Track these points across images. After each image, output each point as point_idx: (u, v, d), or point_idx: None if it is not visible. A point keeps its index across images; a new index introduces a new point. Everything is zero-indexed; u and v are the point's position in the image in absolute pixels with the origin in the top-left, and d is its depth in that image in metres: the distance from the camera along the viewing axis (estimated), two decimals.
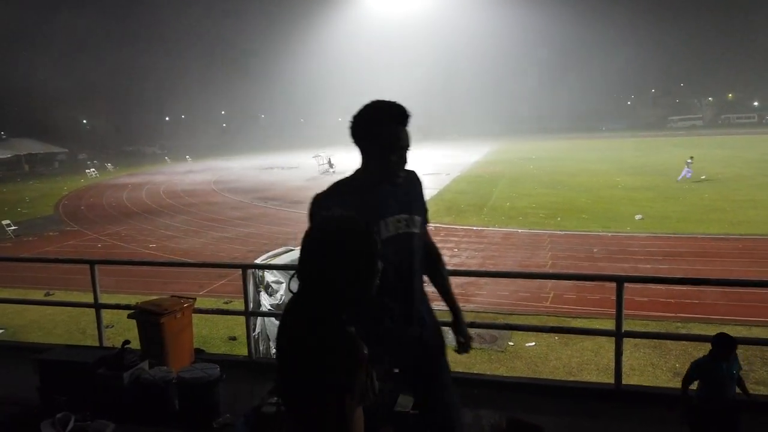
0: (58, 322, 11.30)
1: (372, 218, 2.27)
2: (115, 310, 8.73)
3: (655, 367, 8.03)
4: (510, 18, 75.47)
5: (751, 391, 3.61)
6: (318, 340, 1.63)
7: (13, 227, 21.60)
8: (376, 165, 2.45)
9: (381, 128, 2.36)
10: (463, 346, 2.79)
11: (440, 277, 2.86)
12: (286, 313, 1.78)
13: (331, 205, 2.30)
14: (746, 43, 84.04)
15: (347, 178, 2.54)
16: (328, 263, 1.70)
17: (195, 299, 5.57)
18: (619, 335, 4.58)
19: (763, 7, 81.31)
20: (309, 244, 1.76)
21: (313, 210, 2.38)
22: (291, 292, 1.81)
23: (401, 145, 2.40)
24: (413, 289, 2.56)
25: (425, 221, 2.79)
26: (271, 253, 8.99)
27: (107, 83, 77.75)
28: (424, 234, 2.79)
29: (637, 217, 18.40)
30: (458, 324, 2.79)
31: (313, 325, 1.66)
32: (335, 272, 1.70)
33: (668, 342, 8.45)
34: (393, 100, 2.38)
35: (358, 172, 2.53)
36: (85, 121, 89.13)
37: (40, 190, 39.88)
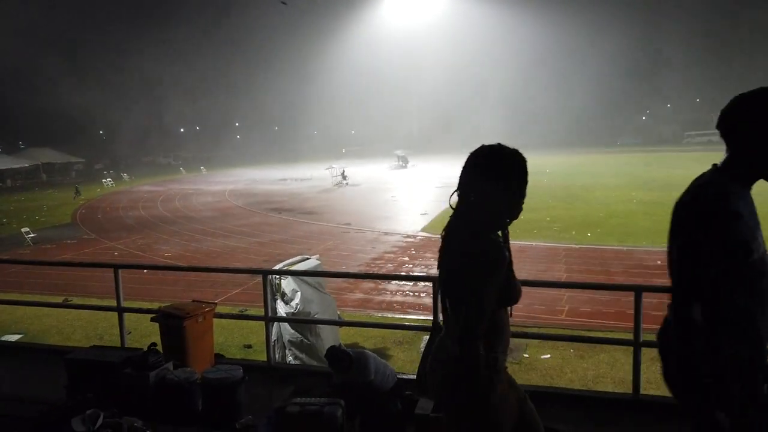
0: (77, 327, 11.45)
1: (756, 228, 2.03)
2: (133, 318, 8.91)
3: None
4: (526, 32, 75.69)
5: None
6: (474, 245, 2.14)
7: (31, 235, 21.96)
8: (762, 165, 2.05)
9: None
10: None
11: None
12: (448, 234, 2.29)
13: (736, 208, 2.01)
14: (764, 58, 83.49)
15: (723, 176, 2.09)
16: (491, 184, 2.18)
17: (216, 304, 5.67)
18: (637, 344, 4.60)
19: None
20: (473, 165, 2.23)
21: (718, 213, 2.01)
22: (451, 207, 2.32)
23: None
24: None
25: None
26: (287, 262, 9.07)
27: (124, 94, 78.98)
28: None
29: None
30: None
31: (472, 236, 2.17)
32: (495, 192, 2.18)
33: None
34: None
35: (723, 173, 2.11)
36: (101, 132, 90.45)
37: (58, 198, 40.47)
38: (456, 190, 2.29)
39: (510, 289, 2.27)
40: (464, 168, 2.26)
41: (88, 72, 75.36)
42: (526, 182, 2.27)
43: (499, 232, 2.30)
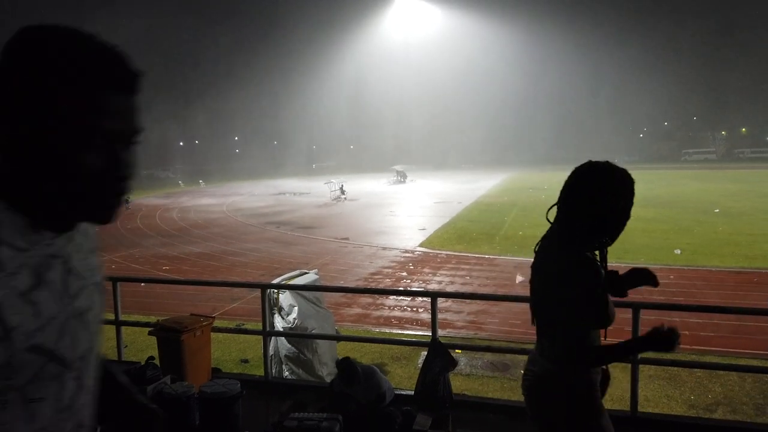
0: None
1: None
2: (130, 331, 8.89)
3: (670, 399, 7.95)
4: (523, 51, 76.39)
5: None
6: (571, 265, 2.11)
7: None
8: None
9: None
10: None
11: None
12: (543, 251, 2.28)
13: None
14: (760, 78, 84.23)
15: None
16: (597, 202, 2.15)
17: (214, 318, 5.67)
18: (635, 362, 4.61)
19: None
20: (579, 182, 2.22)
21: None
22: (548, 221, 2.32)
23: None
24: None
25: None
26: (285, 276, 9.07)
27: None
28: None
29: (677, 251, 18.15)
30: None
31: (570, 255, 2.13)
32: (599, 211, 2.14)
33: (683, 374, 8.39)
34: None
35: None
36: None
37: None
38: (555, 205, 2.29)
39: (606, 311, 2.22)
40: (569, 184, 2.26)
41: None
42: (632, 203, 2.26)
43: (597, 252, 2.28)
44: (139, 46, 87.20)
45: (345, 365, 4.47)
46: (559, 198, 2.26)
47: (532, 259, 2.32)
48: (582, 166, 2.26)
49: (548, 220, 2.32)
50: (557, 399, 2.16)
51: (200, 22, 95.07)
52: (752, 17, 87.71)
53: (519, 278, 15.06)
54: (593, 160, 2.27)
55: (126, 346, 9.57)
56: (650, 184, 44.53)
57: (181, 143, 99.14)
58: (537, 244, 2.31)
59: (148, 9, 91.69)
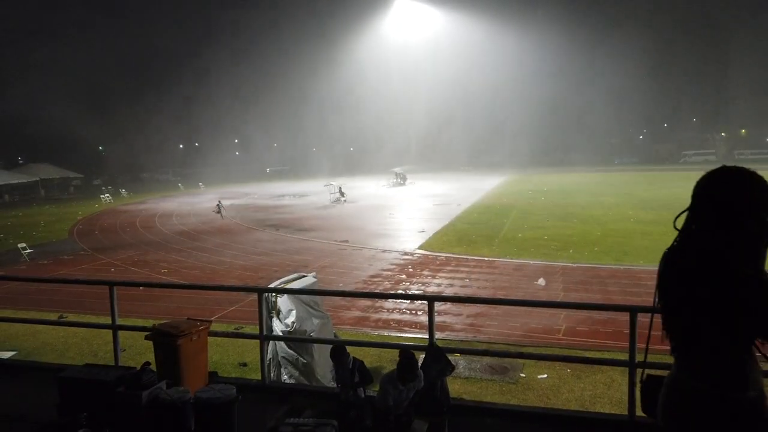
0: (71, 344, 11.38)
1: None
2: (129, 335, 8.85)
3: None
4: (523, 51, 76.29)
5: None
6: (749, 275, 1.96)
7: (28, 250, 21.90)
8: None
9: None
10: None
11: None
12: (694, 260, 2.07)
13: None
14: (760, 79, 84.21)
15: None
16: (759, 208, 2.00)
17: (211, 322, 5.64)
18: (632, 365, 4.59)
19: None
20: (738, 190, 2.05)
21: None
22: (676, 228, 2.14)
23: None
24: None
25: None
26: (283, 279, 9.06)
27: (123, 110, 79.31)
28: None
29: None
30: None
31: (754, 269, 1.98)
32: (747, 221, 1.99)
33: None
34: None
35: None
36: (101, 148, 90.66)
37: (56, 214, 40.41)
38: (685, 211, 2.14)
39: None
40: (719, 194, 2.08)
41: (87, 88, 75.66)
42: None
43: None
44: (140, 49, 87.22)
45: (363, 369, 4.49)
46: (703, 209, 2.10)
47: (665, 270, 2.18)
48: (726, 173, 2.11)
49: (675, 227, 2.16)
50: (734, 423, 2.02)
51: (201, 26, 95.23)
52: (752, 18, 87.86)
53: (541, 282, 15.00)
54: (727, 165, 2.14)
55: (124, 350, 9.55)
56: (650, 186, 44.55)
57: (181, 146, 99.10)
58: (674, 257, 2.15)
59: (150, 14, 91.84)
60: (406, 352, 4.36)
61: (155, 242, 24.97)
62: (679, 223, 2.17)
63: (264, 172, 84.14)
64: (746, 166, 2.17)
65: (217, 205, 35.75)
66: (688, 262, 2.07)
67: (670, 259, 2.15)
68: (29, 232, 29.39)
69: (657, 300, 2.22)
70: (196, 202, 46.19)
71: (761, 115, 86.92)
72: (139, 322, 8.73)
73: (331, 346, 7.43)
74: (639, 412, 4.80)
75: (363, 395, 4.54)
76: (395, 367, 4.25)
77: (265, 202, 43.51)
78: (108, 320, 6.08)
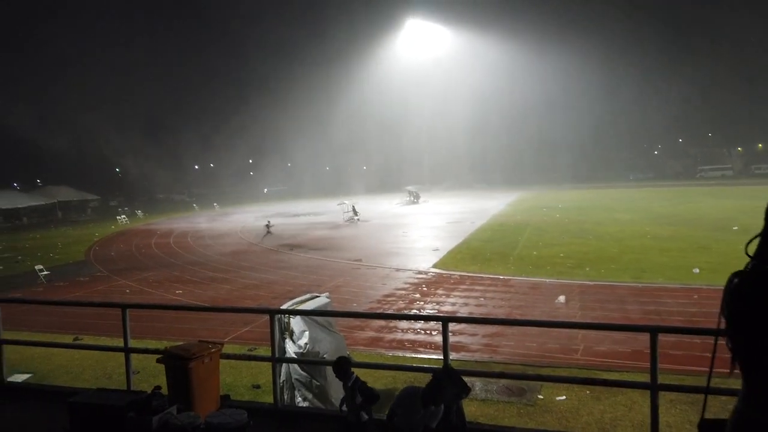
0: (86, 366, 11.38)
1: None
2: (143, 356, 8.83)
3: (693, 425, 7.68)
4: (537, 67, 76.43)
5: None
6: None
7: (45, 272, 22.11)
8: None
9: None
10: None
11: None
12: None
13: None
14: None
15: None
16: None
17: (223, 344, 5.60)
18: (654, 388, 4.45)
19: None
20: None
21: None
22: (747, 255, 1.98)
23: None
24: None
25: None
26: (296, 300, 9.00)
27: (139, 132, 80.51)
28: None
29: (695, 270, 17.75)
30: None
31: None
32: None
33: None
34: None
35: None
36: (117, 170, 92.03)
37: (73, 236, 40.88)
38: (757, 236, 2.01)
39: None
40: None
41: (104, 112, 77.17)
42: None
43: None
44: (155, 73, 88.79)
45: (339, 368, 4.38)
46: None
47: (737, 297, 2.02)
48: None
49: (747, 254, 2.02)
50: None
51: (216, 49, 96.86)
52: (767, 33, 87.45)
53: (560, 299, 14.79)
54: None
55: (137, 372, 9.54)
56: (666, 202, 44.05)
57: (196, 167, 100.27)
58: (745, 280, 1.98)
59: (165, 37, 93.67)
60: (439, 375, 4.19)
61: (170, 263, 25.08)
62: (751, 249, 2.02)
63: (276, 192, 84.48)
64: (764, 180, 2.06)
65: (266, 225, 36.74)
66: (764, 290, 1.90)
67: (741, 286, 1.98)
68: (46, 254, 29.73)
69: (725, 326, 2.06)
70: (211, 222, 46.49)
71: None
72: (152, 344, 8.69)
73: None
74: None
75: (366, 417, 4.40)
76: (425, 385, 4.09)
77: (279, 222, 43.68)
78: (122, 342, 6.06)
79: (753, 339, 1.92)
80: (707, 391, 2.49)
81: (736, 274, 2.00)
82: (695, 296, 14.88)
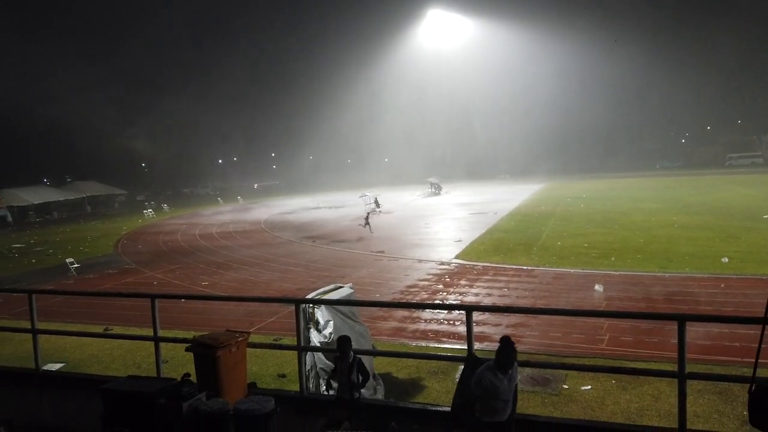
0: (116, 356, 11.65)
1: None
2: (171, 346, 9.02)
3: (722, 414, 7.59)
4: (563, 56, 75.22)
5: None
6: None
7: (75, 265, 22.64)
8: None
9: None
10: None
11: None
12: None
13: None
14: None
15: None
16: None
17: (249, 333, 5.69)
18: (682, 377, 4.40)
19: None
20: None
21: None
22: None
23: None
24: None
25: None
26: (320, 290, 9.09)
27: (164, 127, 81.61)
28: None
29: (724, 260, 17.42)
30: None
31: None
32: None
33: (735, 387, 8.00)
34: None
35: None
36: (143, 165, 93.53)
37: (101, 229, 41.73)
38: None
39: None
40: None
41: (132, 109, 78.39)
42: None
43: None
44: (178, 67, 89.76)
45: (344, 342, 4.60)
46: None
47: None
48: None
49: None
50: None
51: (237, 42, 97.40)
52: None
53: (598, 288, 14.66)
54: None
55: (166, 361, 9.73)
56: (694, 191, 43.19)
57: (220, 161, 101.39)
58: None
59: (189, 30, 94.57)
60: (507, 338, 4.44)
61: (195, 255, 25.47)
62: None
63: (299, 185, 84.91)
64: None
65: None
66: None
67: None
68: (76, 248, 30.42)
69: None
70: (235, 214, 47.01)
71: None
72: (180, 334, 8.87)
73: (369, 357, 7.40)
74: (690, 425, 4.60)
75: (357, 395, 4.64)
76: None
77: (302, 215, 43.95)
78: (151, 332, 6.20)
79: None
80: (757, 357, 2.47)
81: None
82: (722, 285, 14.62)
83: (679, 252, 19.07)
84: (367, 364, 8.36)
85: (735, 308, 12.61)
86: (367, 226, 29.24)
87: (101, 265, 24.12)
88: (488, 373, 4.18)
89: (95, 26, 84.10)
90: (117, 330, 13.01)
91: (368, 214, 32.80)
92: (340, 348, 4.88)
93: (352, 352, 4.83)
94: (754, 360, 2.14)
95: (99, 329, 13.08)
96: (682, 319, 4.38)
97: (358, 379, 4.74)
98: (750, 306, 12.57)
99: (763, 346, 2.39)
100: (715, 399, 7.96)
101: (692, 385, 7.72)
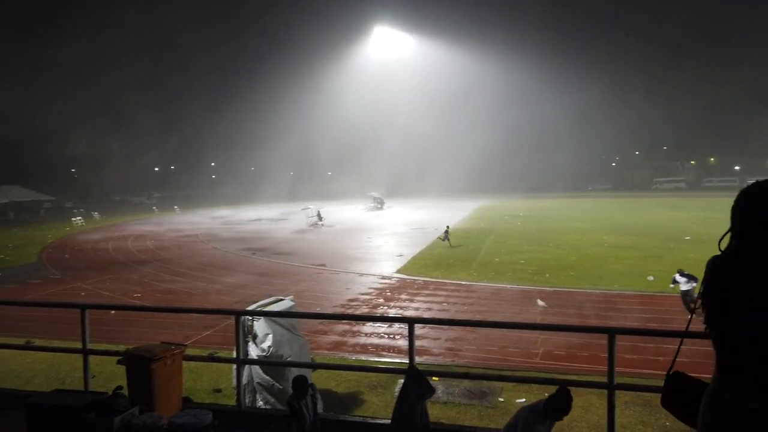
0: (38, 371, 11.01)
1: None
2: (98, 360, 8.60)
3: (646, 425, 7.96)
4: (497, 80, 77.79)
5: None
6: None
7: None
8: None
9: None
10: None
11: None
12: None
13: None
14: (727, 110, 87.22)
15: None
16: None
17: (185, 346, 5.52)
18: (611, 387, 4.60)
19: (743, 76, 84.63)
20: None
21: None
22: (720, 249, 2.11)
23: None
24: None
25: None
26: (261, 303, 8.94)
27: (96, 133, 78.34)
28: None
29: (650, 278, 18.27)
30: None
31: None
32: None
33: (657, 400, 8.39)
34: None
35: None
36: (73, 170, 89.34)
37: (25, 237, 39.43)
38: (727, 233, 2.14)
39: None
40: (747, 207, 2.14)
41: (60, 109, 74.76)
42: None
43: None
44: (118, 69, 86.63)
45: (301, 385, 4.29)
46: (745, 227, 2.11)
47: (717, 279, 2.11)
48: (756, 187, 2.16)
49: (720, 249, 2.15)
50: None
51: (182, 50, 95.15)
52: (722, 50, 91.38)
53: (540, 303, 15.03)
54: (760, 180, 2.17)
55: (94, 376, 9.27)
56: (622, 212, 45.37)
57: (156, 169, 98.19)
58: (727, 270, 2.09)
59: (125, 33, 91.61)
60: (566, 388, 4.21)
61: (127, 266, 24.47)
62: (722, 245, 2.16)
63: (237, 197, 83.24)
64: (715, 192, 2.22)
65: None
66: (742, 272, 2.03)
67: (720, 269, 2.11)
68: None
69: (706, 311, 2.13)
70: (171, 225, 45.55)
71: (729, 144, 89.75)
72: (111, 347, 8.49)
73: (308, 371, 7.33)
74: None
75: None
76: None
77: (241, 227, 43.10)
78: (78, 345, 5.90)
79: (728, 315, 2.04)
80: (683, 337, 2.63)
81: (712, 259, 2.15)
82: (649, 302, 15.39)
83: (609, 270, 19.95)
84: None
85: (660, 324, 13.29)
86: (446, 239, 27.62)
87: (23, 275, 22.76)
88: (537, 424, 4.11)
89: (18, 21, 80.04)
90: (40, 343, 12.28)
91: (318, 214, 33.22)
92: (301, 393, 4.26)
93: (310, 387, 4.43)
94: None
95: (20, 342, 12.31)
96: (612, 333, 4.58)
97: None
98: (674, 322, 13.29)
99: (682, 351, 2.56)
100: (640, 410, 8.34)
101: (620, 397, 8.05)
